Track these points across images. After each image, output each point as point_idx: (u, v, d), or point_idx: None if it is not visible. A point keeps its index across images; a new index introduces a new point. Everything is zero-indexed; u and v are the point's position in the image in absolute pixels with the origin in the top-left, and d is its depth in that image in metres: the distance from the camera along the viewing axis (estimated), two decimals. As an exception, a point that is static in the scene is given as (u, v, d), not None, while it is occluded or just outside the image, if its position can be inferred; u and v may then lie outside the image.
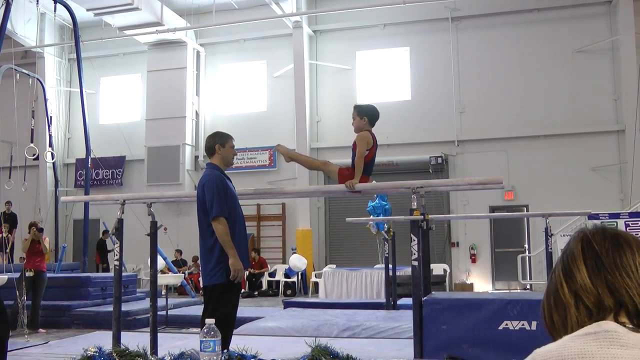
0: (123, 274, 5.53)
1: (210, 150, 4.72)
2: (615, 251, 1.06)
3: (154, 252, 5.36)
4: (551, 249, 7.64)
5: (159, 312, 5.86)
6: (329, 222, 16.51)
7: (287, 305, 10.19)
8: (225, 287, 4.43)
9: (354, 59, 16.71)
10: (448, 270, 14.64)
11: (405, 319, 7.52)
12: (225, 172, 4.75)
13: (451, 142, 15.64)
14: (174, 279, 11.18)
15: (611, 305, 1.03)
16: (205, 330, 2.91)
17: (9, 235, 12.94)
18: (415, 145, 15.69)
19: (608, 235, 1.10)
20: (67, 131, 18.98)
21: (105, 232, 14.79)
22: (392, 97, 16.18)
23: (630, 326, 0.99)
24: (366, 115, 4.80)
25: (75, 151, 18.73)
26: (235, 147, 4.88)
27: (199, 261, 16.06)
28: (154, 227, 5.31)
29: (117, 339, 4.93)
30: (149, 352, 4.83)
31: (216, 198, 4.45)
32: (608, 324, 0.99)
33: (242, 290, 9.55)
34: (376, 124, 4.89)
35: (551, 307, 1.09)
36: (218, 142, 4.70)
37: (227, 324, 4.39)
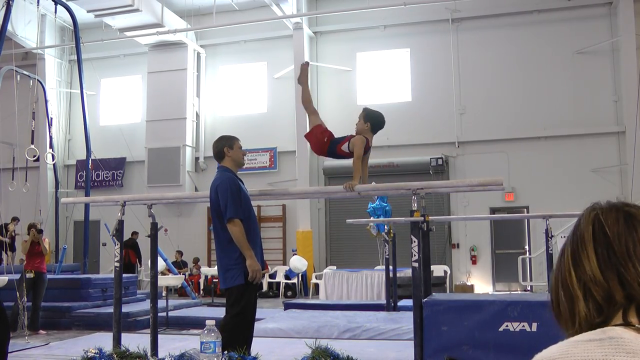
0: (126, 275, 5.52)
1: (219, 154, 4.68)
2: (628, 236, 0.96)
3: (154, 253, 5.36)
4: (551, 250, 7.64)
5: (159, 314, 5.86)
6: (330, 223, 16.49)
7: (287, 306, 10.19)
8: (243, 288, 4.39)
9: (355, 61, 16.71)
10: (448, 272, 14.61)
11: (405, 321, 7.52)
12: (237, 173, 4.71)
13: (451, 143, 15.64)
14: (174, 280, 11.16)
15: (621, 299, 0.94)
16: (206, 332, 2.91)
17: (14, 235, 12.95)
18: (416, 147, 15.69)
19: (621, 217, 0.99)
20: (68, 132, 18.98)
21: (135, 232, 14.48)
22: (393, 98, 16.16)
23: (638, 326, 0.91)
24: (370, 122, 4.74)
25: (75, 152, 18.72)
26: (236, 148, 4.85)
27: (199, 262, 16.19)
28: (154, 228, 5.31)
29: (117, 341, 4.93)
30: (149, 354, 4.84)
31: (230, 200, 4.38)
32: (613, 331, 0.91)
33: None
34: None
35: (559, 296, 1.02)
36: (226, 144, 4.66)
37: (246, 325, 4.41)
